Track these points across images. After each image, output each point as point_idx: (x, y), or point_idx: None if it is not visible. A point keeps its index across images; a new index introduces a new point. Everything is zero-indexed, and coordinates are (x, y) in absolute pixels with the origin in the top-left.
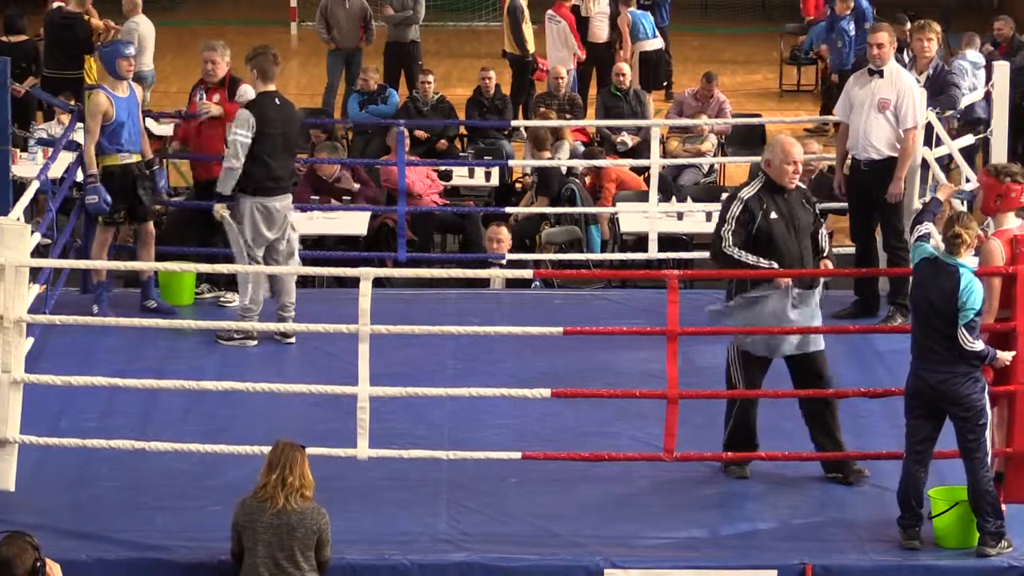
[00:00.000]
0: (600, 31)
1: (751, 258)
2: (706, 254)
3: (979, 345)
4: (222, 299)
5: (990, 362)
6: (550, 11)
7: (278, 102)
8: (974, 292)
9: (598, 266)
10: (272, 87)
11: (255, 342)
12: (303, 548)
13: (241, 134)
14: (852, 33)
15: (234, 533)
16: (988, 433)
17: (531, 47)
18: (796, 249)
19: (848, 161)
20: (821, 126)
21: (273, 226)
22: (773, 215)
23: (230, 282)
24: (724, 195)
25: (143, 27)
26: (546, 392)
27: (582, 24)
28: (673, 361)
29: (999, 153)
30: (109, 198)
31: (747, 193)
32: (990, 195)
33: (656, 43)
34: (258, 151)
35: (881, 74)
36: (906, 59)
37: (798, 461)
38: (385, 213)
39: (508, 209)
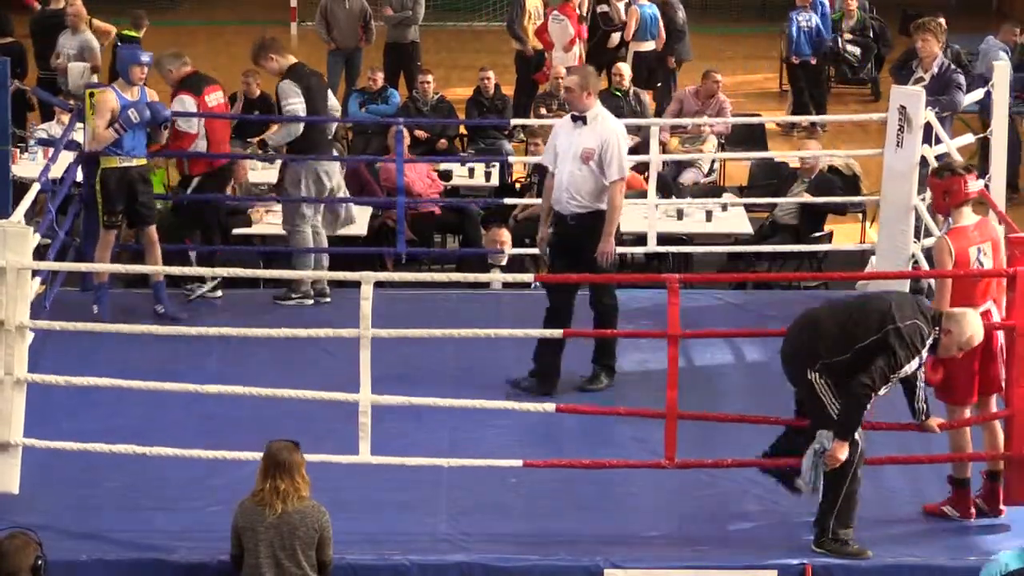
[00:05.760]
0: (616, 37)
1: (860, 420)
2: (705, 248)
3: None
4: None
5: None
6: (555, 11)
7: (307, 69)
8: None
9: None
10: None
11: (311, 301)
12: (304, 547)
13: (294, 102)
14: (802, 24)
15: (234, 536)
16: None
17: (530, 43)
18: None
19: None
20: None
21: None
22: (919, 371)
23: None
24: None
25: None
26: (551, 407)
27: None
28: (674, 364)
29: (999, 153)
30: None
31: (925, 352)
32: (937, 194)
33: (651, 44)
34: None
35: (584, 121)
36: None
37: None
38: (385, 213)
39: (507, 200)
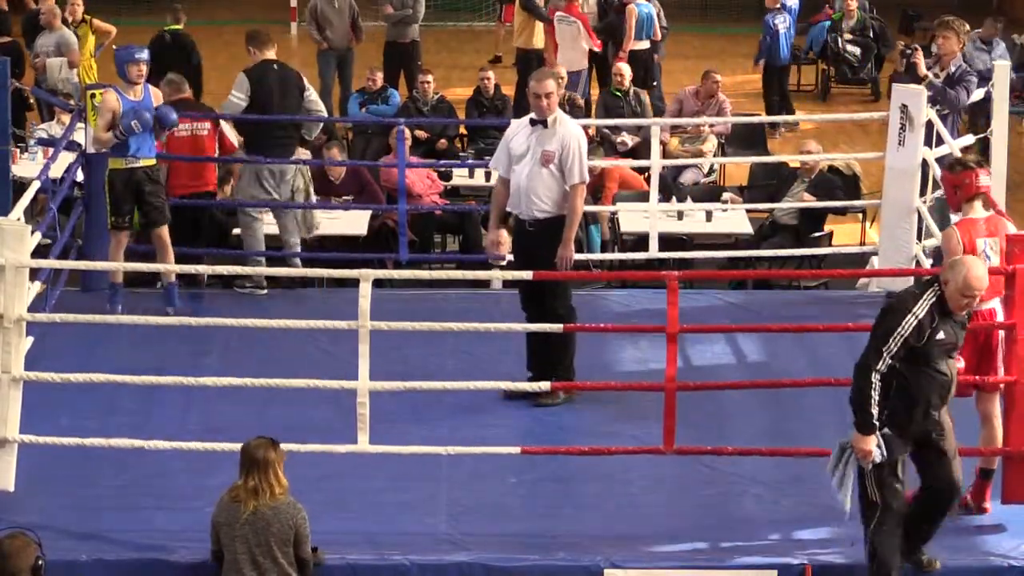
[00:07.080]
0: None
1: (874, 403)
2: (706, 253)
3: None
4: None
5: None
6: (560, 12)
7: (274, 68)
8: None
9: (598, 266)
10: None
11: (264, 291)
12: (280, 543)
13: (232, 95)
14: (780, 28)
15: (213, 532)
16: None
17: (539, 43)
18: (948, 374)
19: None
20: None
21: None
22: (940, 336)
23: None
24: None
25: (71, 37)
26: (545, 385)
27: None
28: (673, 362)
29: (999, 153)
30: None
31: (921, 310)
32: (948, 188)
33: (644, 44)
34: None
35: (545, 124)
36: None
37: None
38: (385, 213)
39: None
